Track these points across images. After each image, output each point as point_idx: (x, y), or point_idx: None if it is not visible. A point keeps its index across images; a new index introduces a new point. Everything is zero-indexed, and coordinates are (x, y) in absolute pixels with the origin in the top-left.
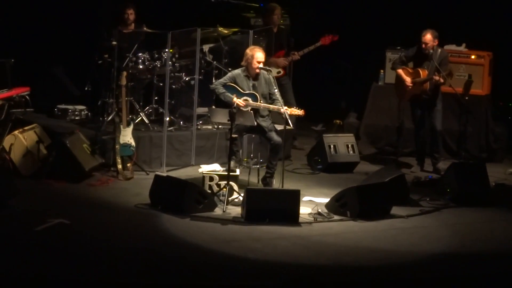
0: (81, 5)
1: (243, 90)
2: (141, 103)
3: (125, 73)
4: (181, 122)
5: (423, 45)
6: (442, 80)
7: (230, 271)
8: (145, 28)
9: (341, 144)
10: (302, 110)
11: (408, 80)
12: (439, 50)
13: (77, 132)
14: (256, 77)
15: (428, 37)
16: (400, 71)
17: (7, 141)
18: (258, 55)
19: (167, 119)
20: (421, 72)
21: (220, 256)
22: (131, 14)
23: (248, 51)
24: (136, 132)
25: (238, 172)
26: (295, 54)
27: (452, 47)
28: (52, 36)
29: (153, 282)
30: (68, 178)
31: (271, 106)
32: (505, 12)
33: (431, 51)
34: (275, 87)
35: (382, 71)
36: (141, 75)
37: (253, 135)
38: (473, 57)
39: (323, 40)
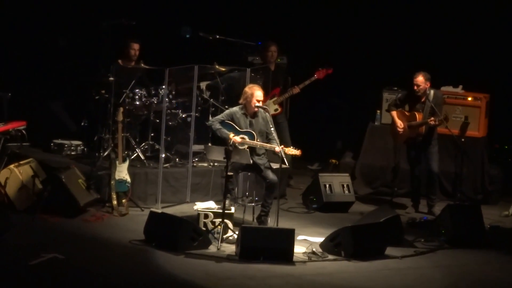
0: (79, 40)
1: (240, 128)
2: (137, 139)
3: (121, 109)
4: (177, 159)
5: (415, 87)
6: (437, 123)
7: None
8: (142, 65)
9: (337, 183)
10: (299, 150)
11: (399, 123)
12: (432, 91)
13: (72, 167)
14: (253, 115)
15: (420, 78)
16: (393, 113)
17: (2, 175)
18: (257, 93)
19: (163, 155)
20: (417, 115)
21: None
22: (137, 50)
23: (247, 89)
24: (132, 168)
25: (233, 210)
26: (295, 87)
27: (449, 88)
28: (49, 70)
29: None
30: (63, 213)
31: (268, 145)
32: (502, 54)
33: (427, 92)
34: (271, 126)
35: (378, 111)
36: (137, 111)
37: (249, 173)
38: (469, 99)
39: (317, 74)
